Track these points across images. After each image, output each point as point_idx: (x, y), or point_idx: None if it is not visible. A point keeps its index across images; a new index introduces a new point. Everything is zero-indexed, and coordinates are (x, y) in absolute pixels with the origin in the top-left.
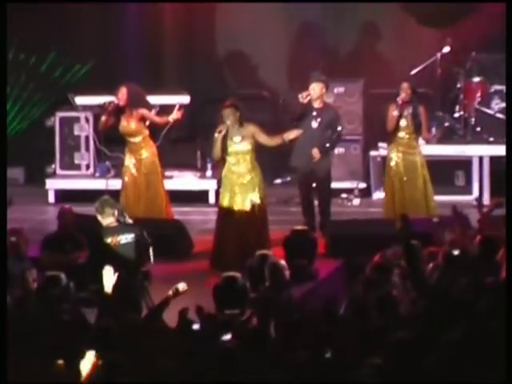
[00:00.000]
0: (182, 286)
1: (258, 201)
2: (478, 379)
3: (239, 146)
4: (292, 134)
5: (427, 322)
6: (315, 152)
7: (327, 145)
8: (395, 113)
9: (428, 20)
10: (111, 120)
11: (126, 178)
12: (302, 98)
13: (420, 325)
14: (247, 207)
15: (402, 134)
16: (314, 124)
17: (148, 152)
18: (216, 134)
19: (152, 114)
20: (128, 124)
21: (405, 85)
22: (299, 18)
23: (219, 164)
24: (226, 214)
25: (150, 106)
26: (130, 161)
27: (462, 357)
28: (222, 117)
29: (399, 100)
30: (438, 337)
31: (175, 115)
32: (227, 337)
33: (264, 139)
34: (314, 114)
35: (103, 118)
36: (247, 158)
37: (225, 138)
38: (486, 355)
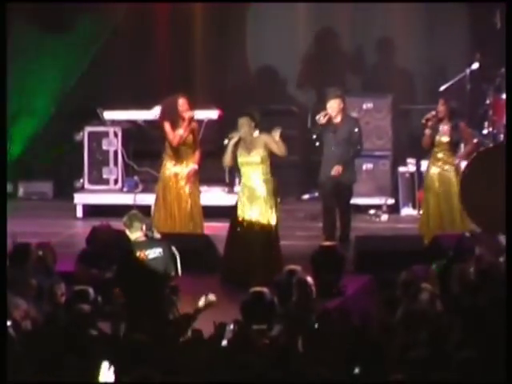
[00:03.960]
0: (211, 298)
1: (266, 217)
2: None
3: (250, 157)
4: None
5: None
6: (335, 169)
7: (345, 158)
8: (426, 130)
9: None
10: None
11: (168, 189)
12: (321, 119)
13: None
14: (254, 221)
15: (438, 150)
16: (333, 139)
17: (195, 163)
18: (226, 141)
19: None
20: (187, 133)
21: (440, 101)
22: (329, 34)
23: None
24: (235, 225)
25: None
26: (174, 170)
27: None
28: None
29: (425, 118)
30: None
31: None
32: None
33: (274, 147)
34: (334, 129)
35: (182, 133)
36: (259, 170)
37: (236, 147)
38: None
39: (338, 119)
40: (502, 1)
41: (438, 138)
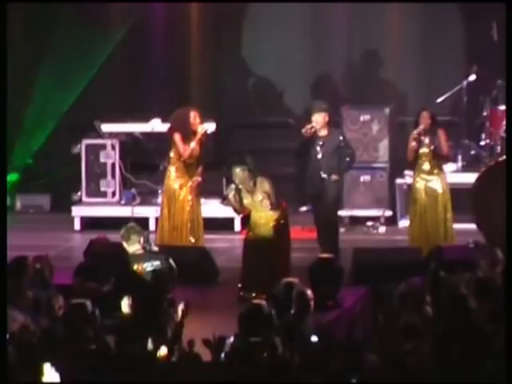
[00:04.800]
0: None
1: (279, 232)
2: None
3: (253, 199)
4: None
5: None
6: (332, 177)
7: (339, 169)
8: (413, 144)
9: None
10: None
11: (172, 201)
12: (306, 132)
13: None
14: (270, 237)
15: (422, 162)
16: (319, 153)
17: (199, 175)
18: (221, 203)
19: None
20: (198, 147)
21: (424, 114)
22: (326, 46)
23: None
24: (250, 244)
25: None
26: (179, 182)
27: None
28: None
29: (417, 132)
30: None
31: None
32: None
33: (268, 201)
34: (319, 142)
35: (194, 146)
36: (265, 205)
37: (239, 194)
38: None
39: (324, 132)
40: (502, 1)
41: (421, 150)
